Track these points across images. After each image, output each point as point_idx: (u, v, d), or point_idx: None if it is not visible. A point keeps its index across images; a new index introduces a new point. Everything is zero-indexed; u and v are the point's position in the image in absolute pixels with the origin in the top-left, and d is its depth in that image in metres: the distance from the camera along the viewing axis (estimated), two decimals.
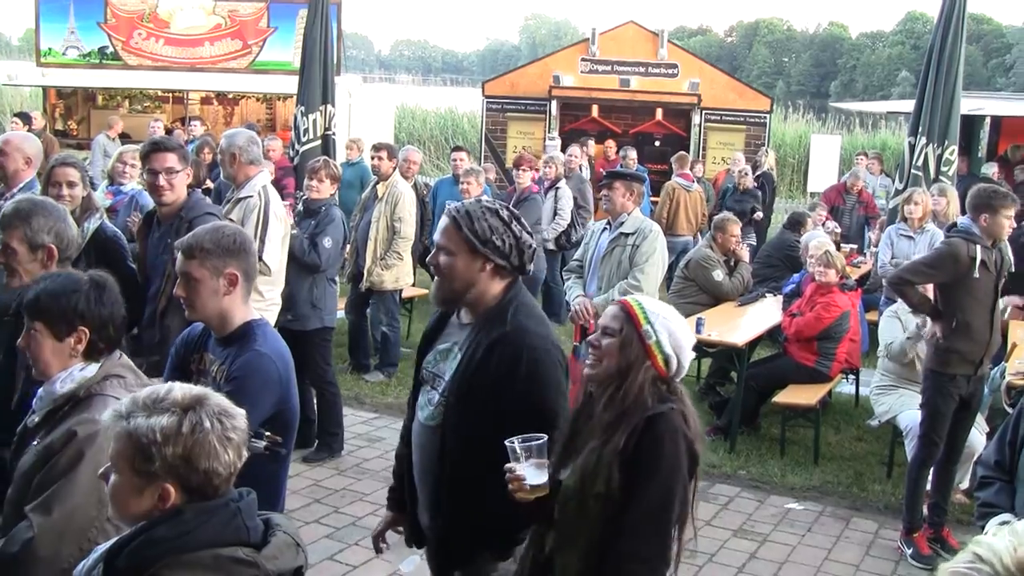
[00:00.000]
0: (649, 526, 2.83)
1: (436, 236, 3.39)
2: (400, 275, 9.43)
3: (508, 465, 2.98)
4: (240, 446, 2.26)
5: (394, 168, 9.46)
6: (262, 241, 6.23)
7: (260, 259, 6.23)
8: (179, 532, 2.16)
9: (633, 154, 14.60)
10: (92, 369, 3.12)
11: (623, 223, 7.10)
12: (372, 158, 9.49)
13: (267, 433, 3.19)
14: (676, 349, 2.99)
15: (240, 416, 2.29)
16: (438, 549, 3.44)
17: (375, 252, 9.25)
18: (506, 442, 2.97)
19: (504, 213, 3.37)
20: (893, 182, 10.92)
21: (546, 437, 2.98)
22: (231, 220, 6.22)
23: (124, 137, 16.58)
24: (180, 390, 2.26)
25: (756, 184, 14.83)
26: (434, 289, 3.42)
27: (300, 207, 7.99)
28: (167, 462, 2.17)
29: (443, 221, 3.38)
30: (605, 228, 7.28)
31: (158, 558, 2.14)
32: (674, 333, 3.00)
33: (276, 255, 6.37)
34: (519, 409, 3.14)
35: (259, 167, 6.52)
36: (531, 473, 2.95)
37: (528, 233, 3.39)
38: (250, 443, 3.21)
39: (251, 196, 6.37)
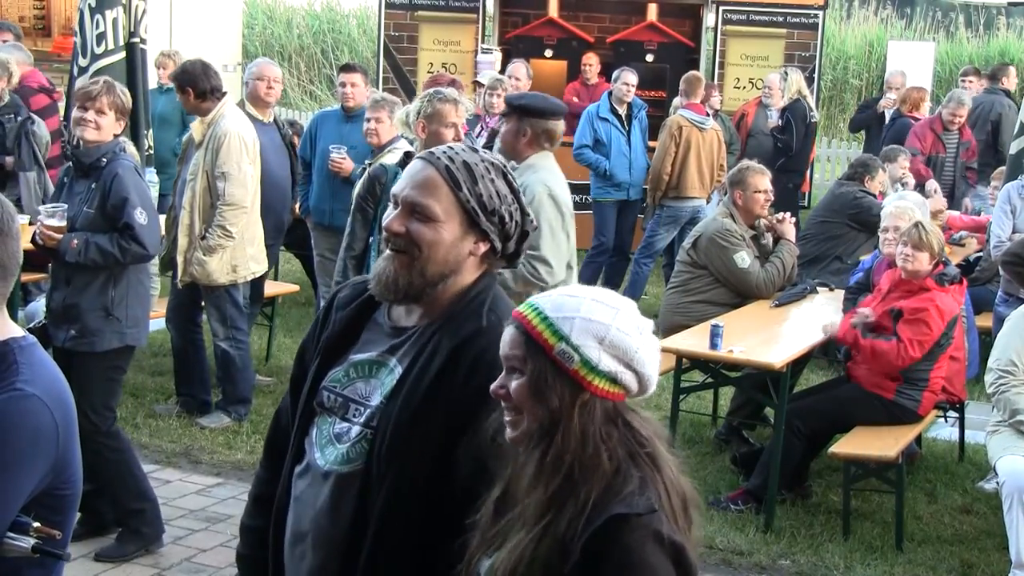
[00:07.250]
0: None
1: (408, 190, 3.39)
2: (238, 261, 9.36)
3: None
4: None
5: (217, 96, 9.25)
6: None
7: None
8: None
9: (633, 79, 14.27)
10: None
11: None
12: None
13: (35, 524, 3.15)
14: (623, 356, 2.91)
15: None
16: None
17: (191, 227, 9.18)
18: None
19: (509, 174, 3.44)
20: (1018, 114, 11.07)
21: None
22: None
23: None
24: None
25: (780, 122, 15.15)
26: (387, 273, 3.39)
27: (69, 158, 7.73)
28: None
29: (422, 169, 3.42)
30: None
31: None
32: (608, 334, 2.91)
33: None
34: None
35: None
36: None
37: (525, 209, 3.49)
38: (6, 541, 3.17)
39: None
